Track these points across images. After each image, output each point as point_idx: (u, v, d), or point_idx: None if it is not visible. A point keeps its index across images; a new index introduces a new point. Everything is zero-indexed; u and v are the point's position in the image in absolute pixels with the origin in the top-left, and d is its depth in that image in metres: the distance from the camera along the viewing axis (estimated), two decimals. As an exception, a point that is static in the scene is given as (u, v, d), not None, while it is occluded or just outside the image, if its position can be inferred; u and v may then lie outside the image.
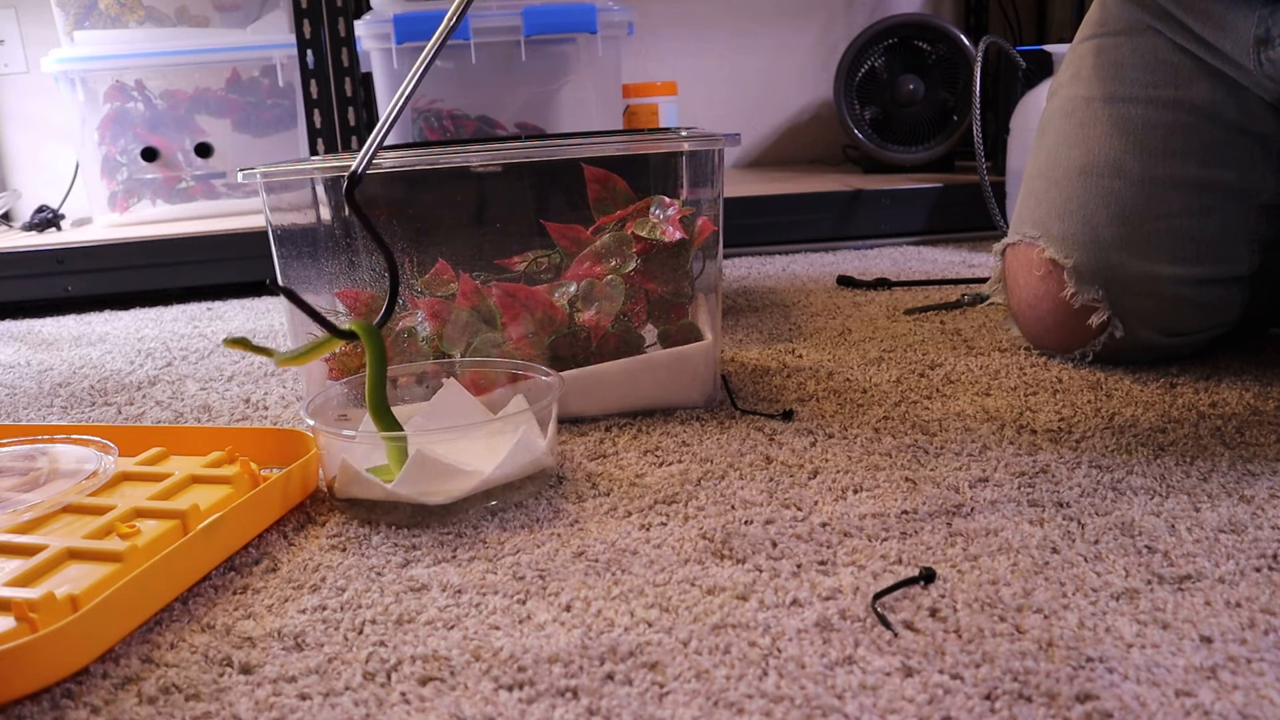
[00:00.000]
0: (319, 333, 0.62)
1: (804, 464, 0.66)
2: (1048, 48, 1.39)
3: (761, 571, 0.51)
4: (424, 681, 0.44)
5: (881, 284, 1.21)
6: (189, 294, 1.45)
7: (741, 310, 1.13)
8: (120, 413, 0.87)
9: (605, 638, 0.46)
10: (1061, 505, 0.57)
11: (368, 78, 1.49)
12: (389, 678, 0.44)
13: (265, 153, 1.61)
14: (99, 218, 1.59)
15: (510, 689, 0.42)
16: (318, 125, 1.40)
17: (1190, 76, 0.79)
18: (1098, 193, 0.80)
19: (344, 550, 0.57)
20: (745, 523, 0.57)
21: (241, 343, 0.60)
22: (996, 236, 1.02)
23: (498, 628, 0.47)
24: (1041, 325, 0.85)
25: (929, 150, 1.67)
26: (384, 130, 0.61)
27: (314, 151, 1.43)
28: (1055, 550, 0.52)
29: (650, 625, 0.47)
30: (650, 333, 0.79)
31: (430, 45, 0.61)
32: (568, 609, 0.49)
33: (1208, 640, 0.43)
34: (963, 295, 1.10)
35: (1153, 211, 0.79)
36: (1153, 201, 0.79)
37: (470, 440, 0.65)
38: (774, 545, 0.54)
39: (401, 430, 0.63)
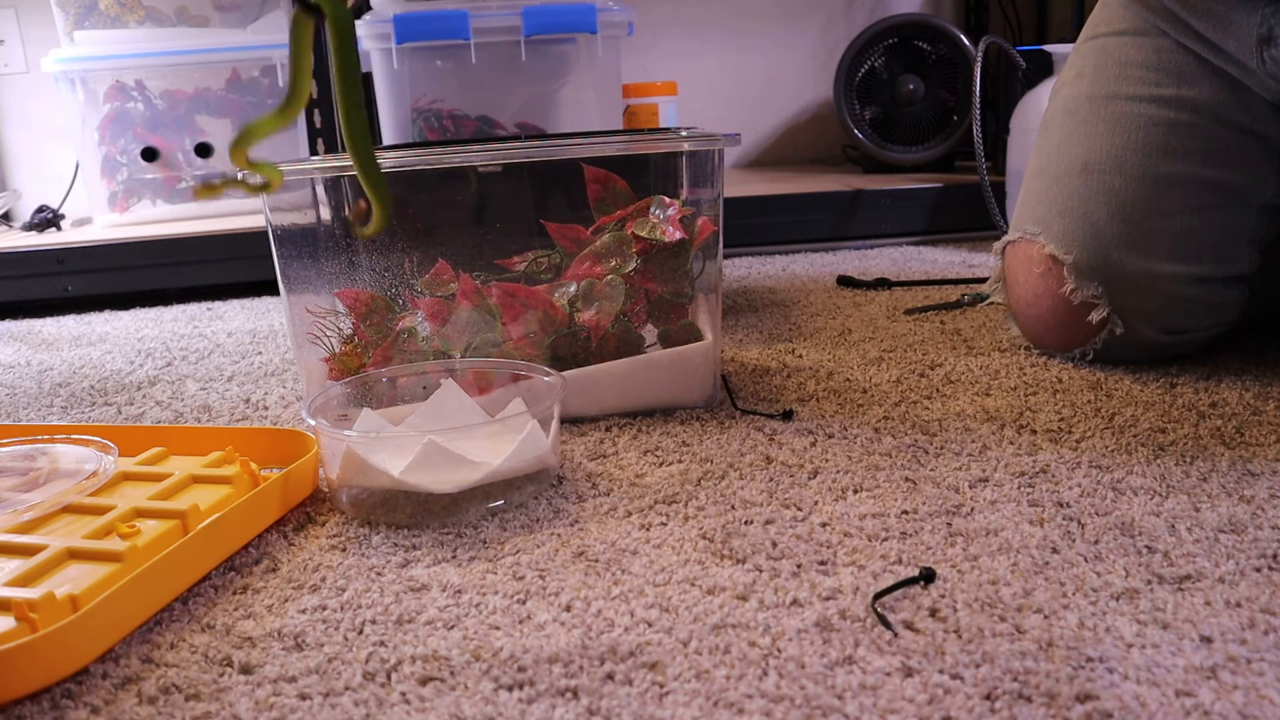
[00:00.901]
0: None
1: (804, 464, 0.66)
2: (1048, 48, 1.39)
3: (761, 571, 0.51)
4: (424, 681, 0.44)
5: (881, 284, 1.21)
6: (189, 294, 1.45)
7: (741, 310, 1.13)
8: (120, 413, 0.87)
9: (605, 638, 0.46)
10: (1061, 505, 0.57)
11: (368, 78, 1.49)
12: (389, 678, 0.44)
13: (265, 153, 1.61)
14: (99, 218, 1.59)
15: (510, 689, 0.42)
16: (318, 125, 1.40)
17: (1193, 76, 0.79)
18: (1099, 189, 0.80)
19: (344, 550, 0.57)
20: (745, 523, 0.57)
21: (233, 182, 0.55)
22: (996, 236, 1.02)
23: (498, 628, 0.47)
24: (1041, 322, 0.85)
25: (929, 150, 1.67)
26: None
27: (314, 151, 1.43)
28: (1055, 550, 0.52)
29: (650, 625, 0.47)
30: (650, 333, 0.79)
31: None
32: (568, 609, 0.49)
33: (1208, 640, 0.43)
34: (963, 295, 1.10)
35: (1153, 209, 0.79)
36: (1153, 199, 0.79)
37: (474, 439, 0.65)
38: (774, 545, 0.54)
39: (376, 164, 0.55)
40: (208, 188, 0.54)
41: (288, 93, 0.55)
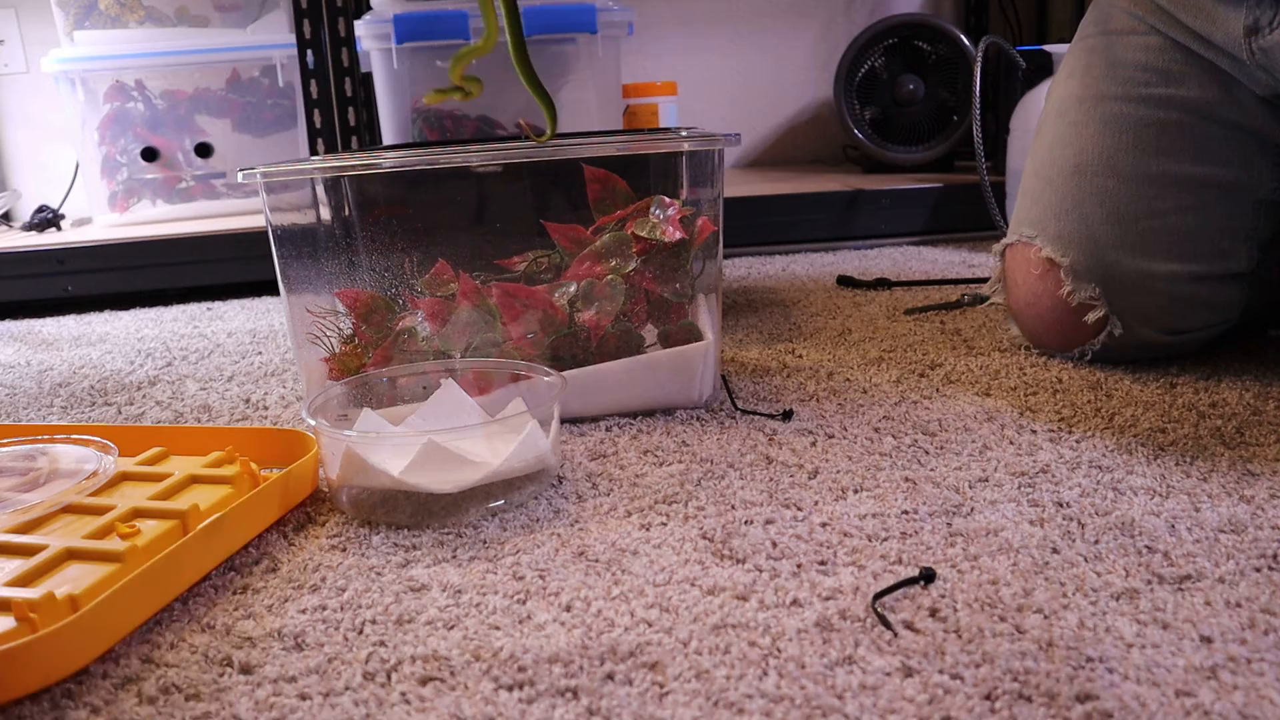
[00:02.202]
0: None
1: (804, 464, 0.66)
2: (1048, 48, 1.39)
3: (761, 571, 0.51)
4: (424, 681, 0.44)
5: (881, 284, 1.21)
6: (189, 294, 1.45)
7: (741, 310, 1.13)
8: (120, 413, 0.87)
9: (605, 638, 0.46)
10: (1061, 505, 0.57)
11: (368, 78, 1.49)
12: (389, 678, 0.44)
13: (265, 153, 1.61)
14: (99, 218, 1.59)
15: (510, 689, 0.42)
16: (318, 125, 1.40)
17: (1183, 74, 0.79)
18: (1092, 191, 0.80)
19: (344, 550, 0.57)
20: (745, 523, 0.57)
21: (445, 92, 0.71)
22: (996, 236, 1.02)
23: (498, 628, 0.47)
24: (1040, 323, 0.86)
25: (929, 150, 1.67)
26: None
27: (314, 151, 1.43)
28: (1055, 550, 0.52)
29: (650, 625, 0.47)
30: (650, 333, 0.79)
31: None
32: (568, 609, 0.49)
33: (1208, 640, 0.43)
34: (963, 295, 1.10)
35: (1147, 209, 0.79)
36: (1147, 199, 0.79)
37: (474, 439, 0.65)
38: (774, 545, 0.54)
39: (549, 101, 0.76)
40: (439, 92, 0.76)
41: (484, 32, 0.77)
